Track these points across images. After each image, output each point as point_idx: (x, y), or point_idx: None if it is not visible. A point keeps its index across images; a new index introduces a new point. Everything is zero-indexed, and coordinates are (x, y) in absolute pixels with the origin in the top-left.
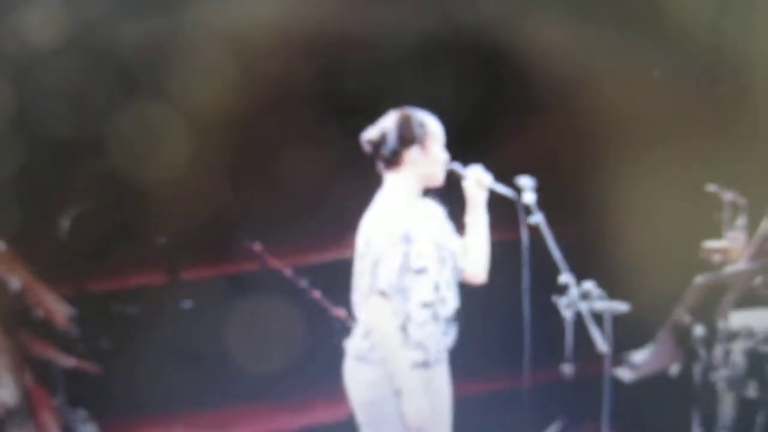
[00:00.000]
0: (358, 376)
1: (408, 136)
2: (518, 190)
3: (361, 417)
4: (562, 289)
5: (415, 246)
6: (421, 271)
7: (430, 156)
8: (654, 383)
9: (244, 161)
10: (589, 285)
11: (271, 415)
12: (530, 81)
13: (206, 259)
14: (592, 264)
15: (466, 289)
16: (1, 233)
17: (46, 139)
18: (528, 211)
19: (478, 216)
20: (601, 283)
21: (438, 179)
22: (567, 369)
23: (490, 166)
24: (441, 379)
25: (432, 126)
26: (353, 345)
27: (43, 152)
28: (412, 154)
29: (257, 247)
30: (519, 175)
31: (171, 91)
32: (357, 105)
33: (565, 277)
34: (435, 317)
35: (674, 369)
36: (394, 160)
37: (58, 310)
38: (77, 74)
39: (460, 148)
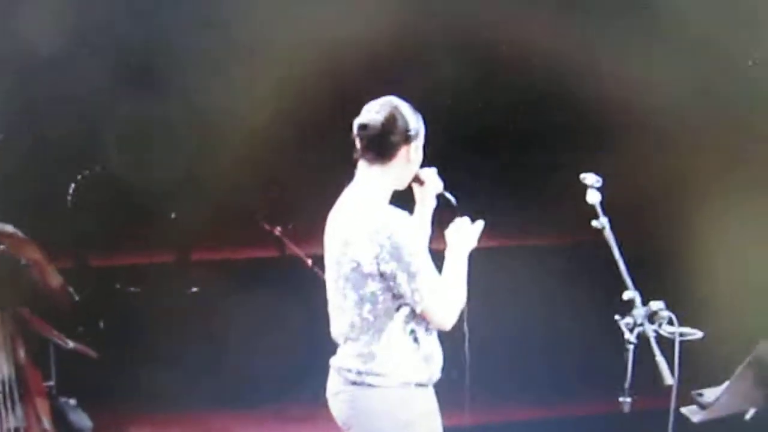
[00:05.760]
0: (414, 406)
1: (412, 132)
2: (583, 187)
3: None
4: (626, 308)
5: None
6: None
7: (417, 156)
8: (725, 427)
9: (267, 143)
10: (657, 305)
11: (275, 425)
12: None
13: (219, 240)
14: (662, 281)
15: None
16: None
17: (54, 107)
18: (594, 213)
19: (423, 222)
20: (673, 305)
21: (405, 182)
22: (625, 402)
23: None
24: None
25: (422, 123)
26: (401, 372)
27: (52, 119)
28: (406, 151)
29: (277, 230)
30: (583, 173)
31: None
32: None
33: (629, 294)
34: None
35: (750, 413)
36: (387, 154)
37: (62, 292)
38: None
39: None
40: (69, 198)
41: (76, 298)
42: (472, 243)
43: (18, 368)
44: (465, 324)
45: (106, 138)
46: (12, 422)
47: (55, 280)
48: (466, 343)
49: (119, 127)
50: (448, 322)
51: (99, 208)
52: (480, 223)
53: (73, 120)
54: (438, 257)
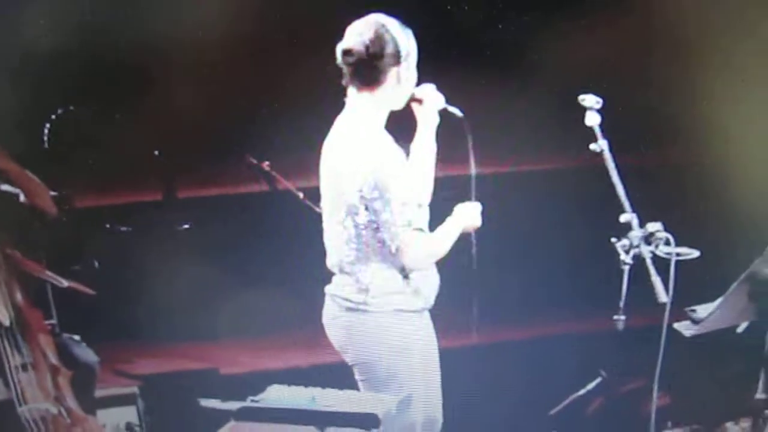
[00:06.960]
0: (408, 331)
1: (401, 53)
2: (582, 109)
3: (385, 367)
4: (623, 230)
5: (414, 179)
6: (422, 206)
7: (410, 76)
8: (716, 340)
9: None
10: (655, 226)
11: (273, 352)
12: None
13: (207, 176)
14: (661, 202)
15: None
16: None
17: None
18: (592, 135)
19: (427, 142)
20: (670, 226)
21: (401, 103)
22: (619, 320)
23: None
24: (430, 325)
25: (413, 40)
26: (393, 301)
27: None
28: (397, 73)
29: (266, 165)
30: (581, 92)
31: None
32: None
33: (626, 216)
34: None
35: (742, 326)
36: (375, 80)
37: (43, 194)
38: None
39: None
40: (45, 139)
41: (58, 197)
42: (476, 223)
43: (17, 310)
44: (474, 248)
45: (81, 74)
46: (18, 359)
47: (32, 181)
48: (474, 266)
49: (95, 63)
50: (417, 263)
51: (77, 147)
52: (477, 205)
53: (45, 56)
54: (440, 182)
